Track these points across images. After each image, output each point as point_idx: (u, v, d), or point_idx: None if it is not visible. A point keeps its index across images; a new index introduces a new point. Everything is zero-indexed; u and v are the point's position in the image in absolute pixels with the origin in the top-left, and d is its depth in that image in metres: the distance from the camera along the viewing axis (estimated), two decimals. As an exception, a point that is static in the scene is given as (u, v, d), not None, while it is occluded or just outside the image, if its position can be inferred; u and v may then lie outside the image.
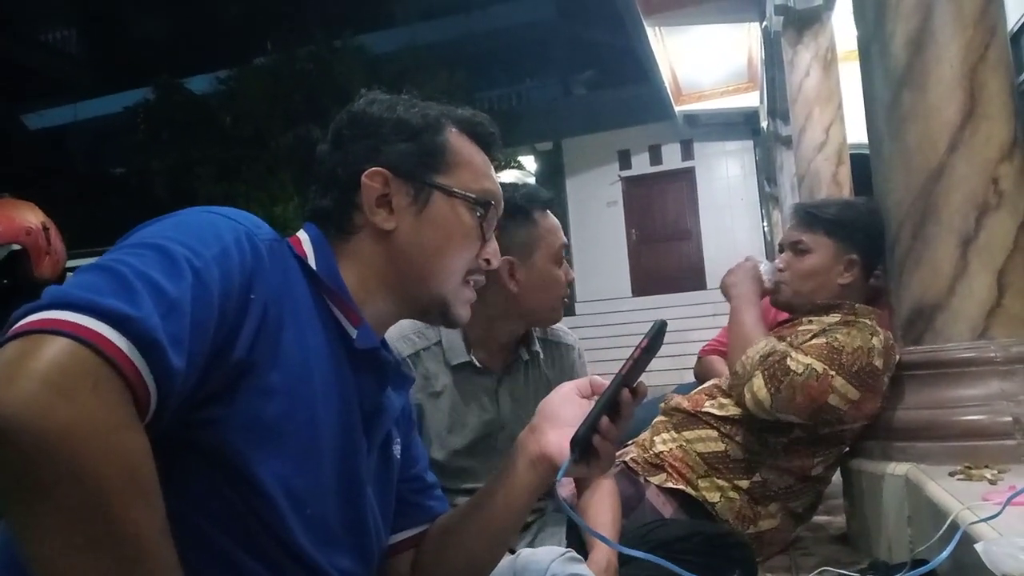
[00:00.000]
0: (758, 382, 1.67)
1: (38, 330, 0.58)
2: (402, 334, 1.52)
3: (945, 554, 1.15)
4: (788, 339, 1.78)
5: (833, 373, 1.65)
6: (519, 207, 1.49)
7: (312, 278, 0.84)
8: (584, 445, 0.86)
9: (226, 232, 0.74)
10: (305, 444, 0.77)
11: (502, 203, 0.96)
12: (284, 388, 0.74)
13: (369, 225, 0.89)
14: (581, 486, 1.63)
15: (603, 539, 1.00)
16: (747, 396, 1.69)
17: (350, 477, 0.84)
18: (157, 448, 0.61)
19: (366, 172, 0.88)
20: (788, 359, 1.67)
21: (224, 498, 0.69)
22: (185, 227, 0.72)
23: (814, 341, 1.72)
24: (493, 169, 0.97)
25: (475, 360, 1.51)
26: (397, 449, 0.97)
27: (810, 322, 1.84)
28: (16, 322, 0.59)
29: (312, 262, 0.85)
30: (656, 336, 0.86)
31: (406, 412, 1.03)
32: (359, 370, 0.86)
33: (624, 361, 0.87)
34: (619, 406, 0.88)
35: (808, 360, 1.66)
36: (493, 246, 0.96)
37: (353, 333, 0.85)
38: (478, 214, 0.92)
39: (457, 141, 0.93)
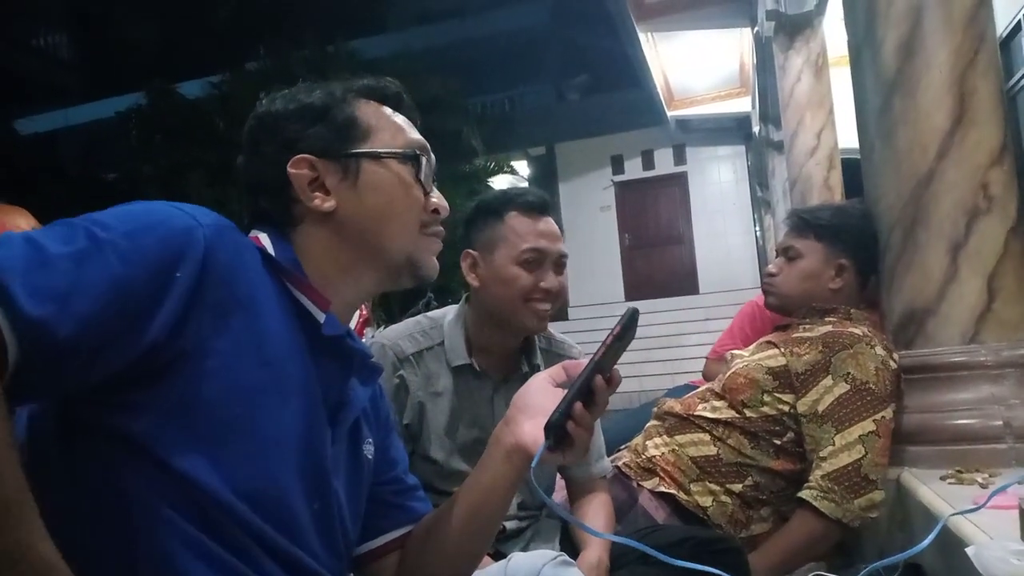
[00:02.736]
0: (863, 501, 1.61)
1: None
2: (407, 332, 1.53)
3: (925, 544, 1.16)
4: (783, 348, 1.78)
5: (883, 415, 1.65)
6: (491, 207, 1.52)
7: (274, 267, 0.84)
8: (558, 431, 0.86)
9: (156, 213, 0.74)
10: (259, 432, 0.76)
11: (431, 153, 0.97)
12: (230, 374, 0.74)
13: (310, 212, 0.89)
14: (575, 494, 1.63)
15: (589, 530, 1.00)
16: (864, 513, 1.62)
17: (315, 467, 0.84)
18: (115, 434, 0.64)
19: (290, 162, 0.89)
20: (861, 467, 1.61)
21: (184, 492, 0.70)
22: (111, 210, 0.72)
23: (838, 394, 1.66)
24: (411, 125, 0.98)
25: (475, 364, 1.51)
26: (369, 449, 0.97)
27: (805, 328, 1.85)
28: None
29: (272, 252, 0.86)
30: (628, 324, 0.88)
31: (382, 414, 1.03)
32: (323, 358, 0.86)
33: (597, 348, 0.88)
34: (593, 393, 0.88)
35: (860, 433, 1.63)
36: (438, 195, 0.97)
37: (320, 318, 0.85)
38: (411, 166, 0.93)
39: (367, 108, 0.94)
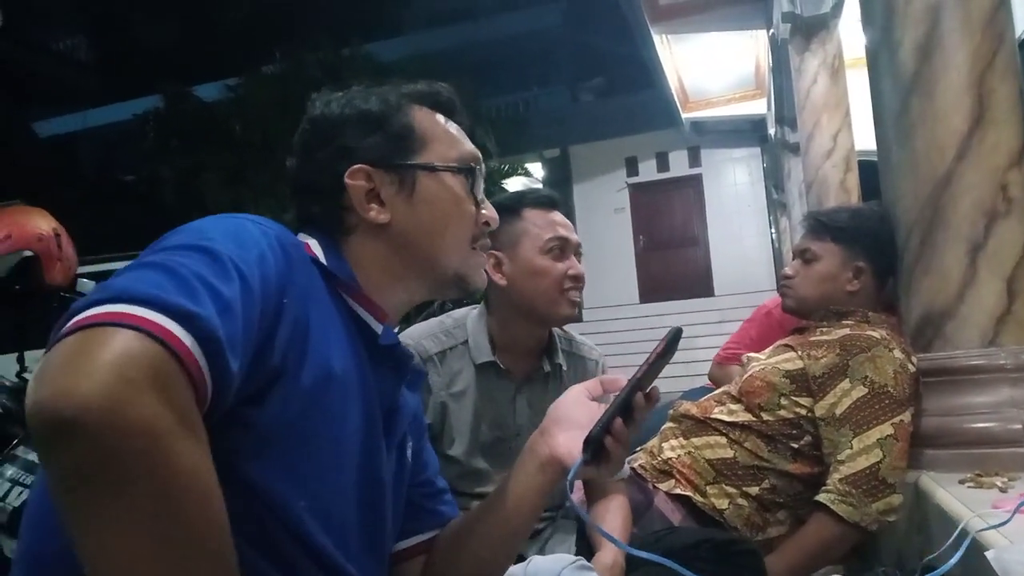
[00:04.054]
0: (881, 505, 1.60)
1: (105, 323, 0.56)
2: (430, 332, 1.54)
3: (953, 561, 1.15)
4: (800, 352, 1.78)
5: (901, 418, 1.64)
6: (507, 206, 1.54)
7: (328, 278, 0.84)
8: (596, 446, 0.86)
9: (260, 237, 0.74)
10: (328, 448, 0.77)
11: (483, 163, 0.97)
12: (309, 391, 0.73)
13: (364, 223, 0.89)
14: (593, 496, 1.63)
15: (610, 538, 1.00)
16: (882, 517, 1.61)
17: (372, 477, 0.84)
18: None
19: (347, 172, 0.88)
20: (879, 470, 1.60)
21: (243, 503, 0.69)
22: (223, 231, 0.71)
23: (856, 397, 1.66)
24: (463, 132, 0.97)
25: (499, 362, 1.52)
26: (409, 452, 0.98)
27: (822, 331, 1.84)
28: (73, 315, 0.58)
29: (325, 263, 0.85)
30: (671, 342, 0.88)
31: (418, 416, 1.04)
32: (379, 367, 0.86)
33: (639, 365, 0.88)
34: (632, 409, 0.88)
35: (878, 436, 1.62)
36: (488, 206, 0.96)
37: (378, 329, 0.86)
38: (466, 180, 0.93)
39: (422, 116, 0.93)
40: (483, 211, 0.95)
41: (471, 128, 1.00)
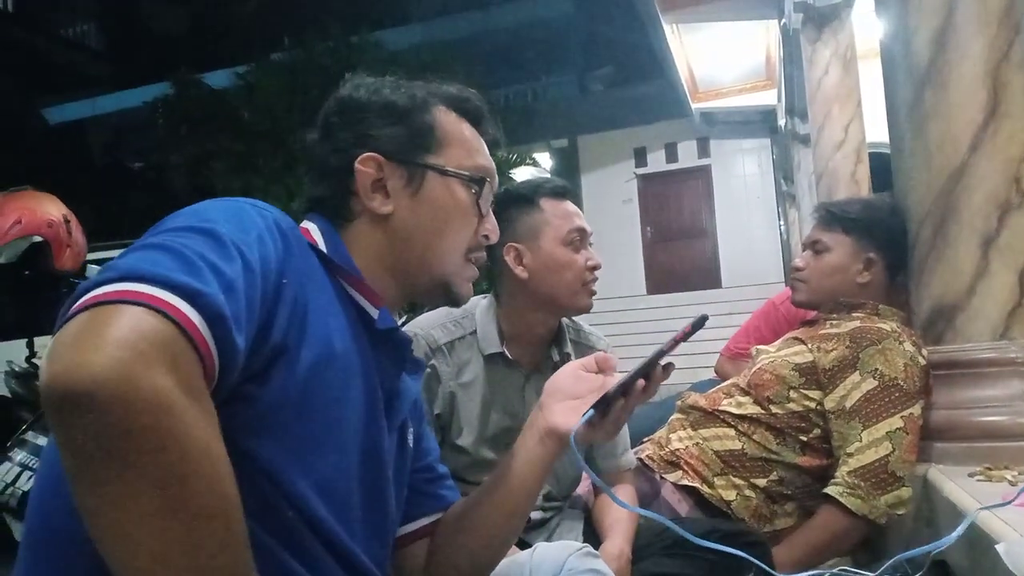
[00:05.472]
0: (890, 498, 1.61)
1: (114, 300, 0.57)
2: (439, 322, 1.54)
3: (953, 537, 1.15)
4: (810, 345, 1.77)
5: (911, 411, 1.64)
6: (524, 196, 1.54)
7: (327, 263, 0.85)
8: (611, 401, 0.89)
9: (258, 219, 0.75)
10: (330, 426, 0.78)
11: (496, 178, 0.97)
12: (310, 368, 0.75)
13: (366, 211, 0.90)
14: (598, 488, 1.63)
15: (617, 500, 1.00)
16: (891, 510, 1.61)
17: (374, 458, 0.85)
18: None
19: (359, 158, 0.89)
20: (888, 463, 1.60)
21: (247, 479, 0.70)
22: (222, 213, 0.73)
23: (866, 390, 1.65)
24: (485, 144, 0.98)
25: (507, 352, 1.52)
26: (411, 438, 0.99)
27: (832, 324, 1.83)
28: (81, 295, 0.59)
29: (323, 248, 0.86)
30: (695, 327, 0.89)
31: (417, 403, 1.05)
32: (379, 351, 0.87)
33: (668, 340, 0.88)
34: (648, 379, 0.90)
35: (888, 429, 1.62)
36: (491, 222, 0.97)
37: (374, 314, 0.86)
38: (473, 191, 0.93)
39: (446, 119, 0.94)
40: (486, 224, 0.96)
41: (495, 141, 1.00)
